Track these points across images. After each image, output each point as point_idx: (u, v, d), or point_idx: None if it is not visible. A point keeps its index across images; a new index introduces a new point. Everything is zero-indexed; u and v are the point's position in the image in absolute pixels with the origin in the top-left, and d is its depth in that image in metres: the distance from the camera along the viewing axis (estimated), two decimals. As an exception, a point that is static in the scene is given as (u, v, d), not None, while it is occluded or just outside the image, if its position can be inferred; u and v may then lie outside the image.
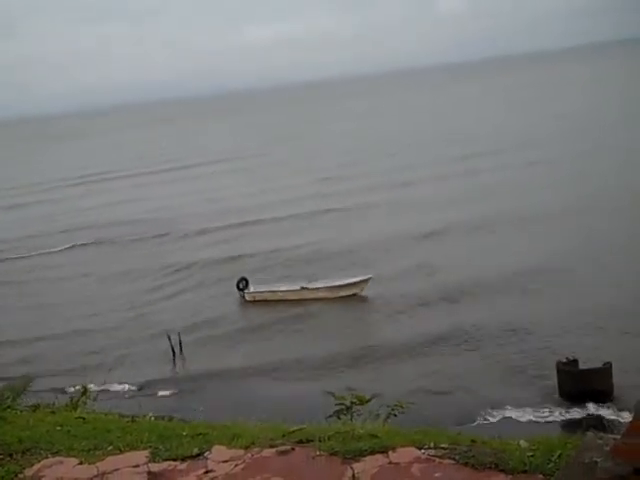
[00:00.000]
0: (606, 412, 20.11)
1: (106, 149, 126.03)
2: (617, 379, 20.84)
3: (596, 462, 4.27)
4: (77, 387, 13.61)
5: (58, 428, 8.90)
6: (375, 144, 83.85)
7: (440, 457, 6.72)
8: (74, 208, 64.36)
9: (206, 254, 42.06)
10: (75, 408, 11.26)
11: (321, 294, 32.35)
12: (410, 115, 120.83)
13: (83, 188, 77.35)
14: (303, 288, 32.71)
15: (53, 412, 10.39)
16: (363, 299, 32.20)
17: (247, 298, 33.65)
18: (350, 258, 37.12)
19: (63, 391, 20.10)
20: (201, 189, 66.59)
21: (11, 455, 7.98)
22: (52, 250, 48.98)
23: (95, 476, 7.28)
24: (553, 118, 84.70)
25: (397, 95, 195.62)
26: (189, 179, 74.89)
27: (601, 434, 5.57)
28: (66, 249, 49.19)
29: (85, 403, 12.31)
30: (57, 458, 7.86)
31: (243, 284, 33.89)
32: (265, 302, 32.96)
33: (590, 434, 5.69)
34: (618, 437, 3.95)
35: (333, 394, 8.86)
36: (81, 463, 7.62)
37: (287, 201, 54.82)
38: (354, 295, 32.27)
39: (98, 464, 7.53)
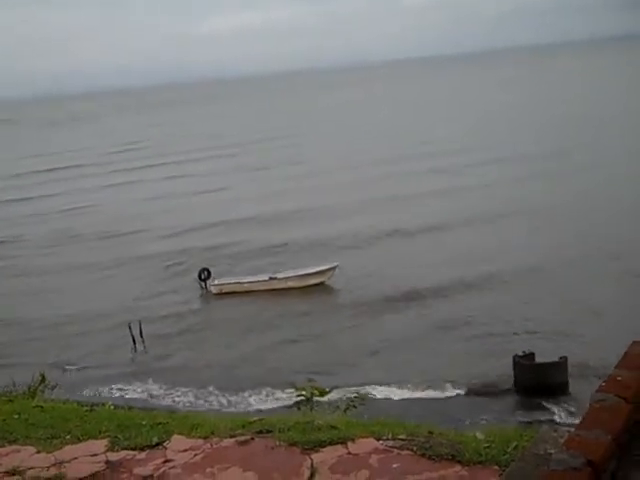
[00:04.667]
0: (561, 405, 20.43)
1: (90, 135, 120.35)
2: (573, 373, 21.17)
3: (550, 454, 4.37)
4: (35, 375, 13.46)
5: (15, 416, 8.82)
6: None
7: (398, 448, 6.80)
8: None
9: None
10: (33, 396, 11.16)
11: (290, 283, 32.15)
12: (398, 107, 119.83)
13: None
14: (272, 278, 32.47)
15: (10, 400, 10.28)
16: (329, 287, 32.38)
17: (213, 290, 32.77)
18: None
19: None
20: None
21: (-33, 443, 7.90)
22: None
23: (52, 465, 7.24)
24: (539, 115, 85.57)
25: (372, 88, 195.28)
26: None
27: (556, 427, 5.70)
28: None
29: (43, 392, 12.21)
30: (14, 447, 7.80)
31: (205, 274, 33.25)
32: (232, 294, 32.40)
33: (545, 426, 5.81)
34: (572, 430, 4.04)
35: (294, 385, 8.91)
36: (38, 452, 7.58)
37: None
38: (321, 284, 32.28)
39: (56, 453, 7.50)
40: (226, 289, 32.54)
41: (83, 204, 56.12)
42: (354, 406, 9.06)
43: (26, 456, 7.50)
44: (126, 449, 7.45)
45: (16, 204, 59.27)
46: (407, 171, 55.62)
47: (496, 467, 6.21)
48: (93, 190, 62.27)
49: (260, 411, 18.13)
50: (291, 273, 32.66)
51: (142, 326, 27.61)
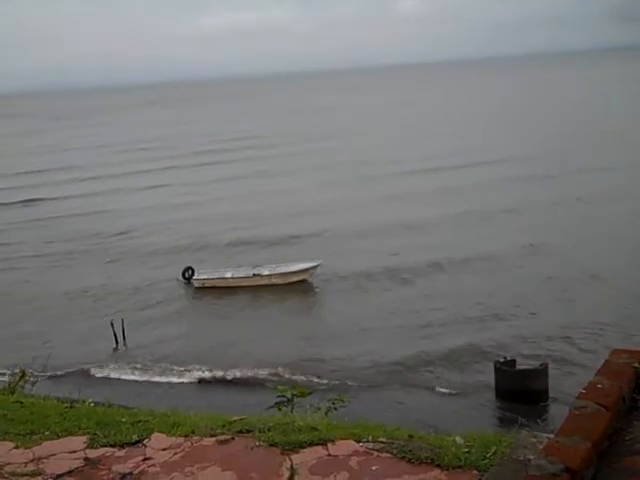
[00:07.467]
0: (541, 412, 20.51)
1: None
2: (553, 380, 21.27)
3: (529, 459, 4.39)
4: (15, 371, 13.35)
5: (-6, 412, 8.75)
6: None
7: (378, 451, 6.81)
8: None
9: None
10: (12, 392, 11.09)
11: (274, 280, 32.39)
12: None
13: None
14: (255, 275, 32.60)
15: (-11, 395, 10.22)
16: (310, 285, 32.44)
17: (195, 284, 33.09)
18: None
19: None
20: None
21: (-56, 437, 7.84)
22: None
23: (30, 461, 7.20)
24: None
25: (382, 92, 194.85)
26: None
27: (535, 433, 5.73)
28: None
29: (23, 387, 12.13)
30: (-8, 442, 7.74)
31: (189, 273, 33.48)
32: (214, 289, 32.59)
33: (525, 432, 5.84)
34: (551, 436, 4.07)
35: (275, 386, 8.90)
36: (17, 447, 7.53)
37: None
38: (303, 281, 32.46)
39: (34, 449, 7.45)
40: (208, 283, 32.74)
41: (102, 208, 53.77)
42: (335, 408, 9.06)
43: (4, 451, 7.45)
44: (105, 446, 7.41)
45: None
46: (464, 182, 52.19)
47: (475, 472, 6.22)
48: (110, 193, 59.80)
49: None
50: (274, 269, 32.83)
51: (124, 324, 27.59)
